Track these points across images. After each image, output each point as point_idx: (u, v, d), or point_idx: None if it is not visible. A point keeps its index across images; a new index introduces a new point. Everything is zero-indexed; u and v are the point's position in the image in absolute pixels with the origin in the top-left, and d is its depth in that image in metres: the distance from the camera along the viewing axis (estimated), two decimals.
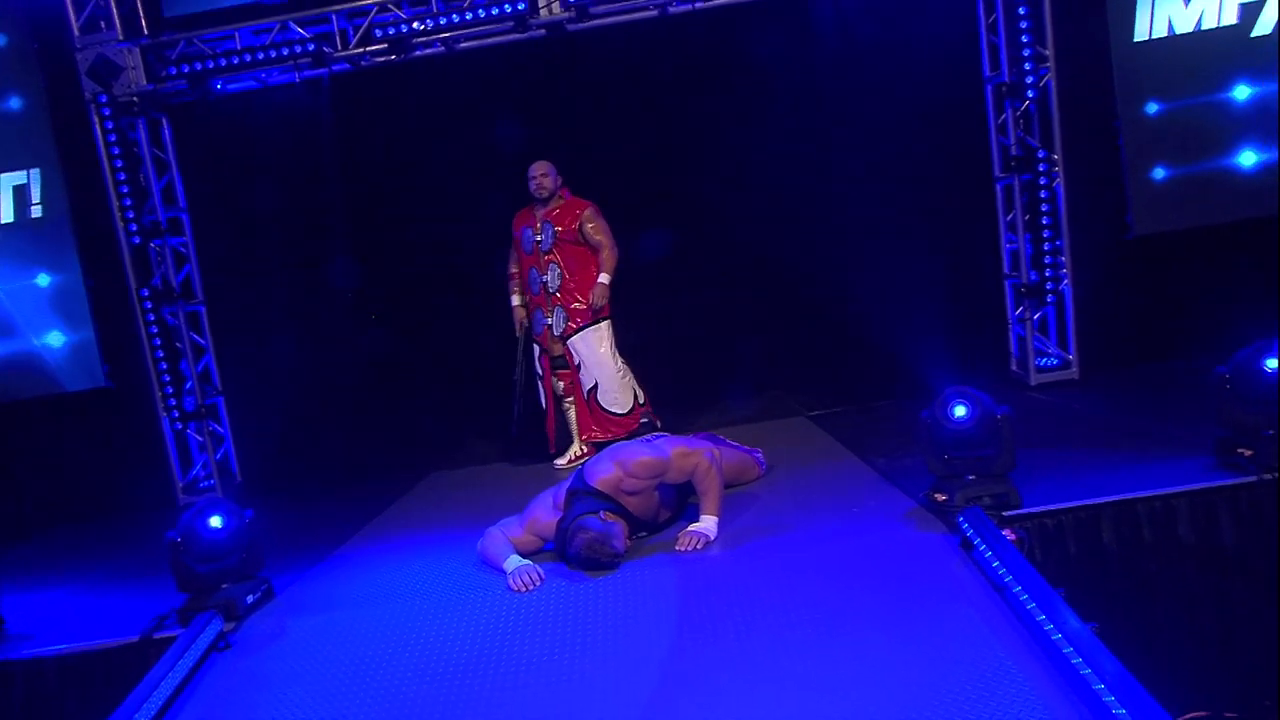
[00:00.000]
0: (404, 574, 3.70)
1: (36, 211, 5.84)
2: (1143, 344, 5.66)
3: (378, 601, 3.42)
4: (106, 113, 5.59)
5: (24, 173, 5.82)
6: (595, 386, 5.14)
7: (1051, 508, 3.26)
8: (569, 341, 5.13)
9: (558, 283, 5.09)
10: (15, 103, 5.79)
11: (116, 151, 5.64)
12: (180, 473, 6.09)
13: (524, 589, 3.20)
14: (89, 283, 5.90)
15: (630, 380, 5.22)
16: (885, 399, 5.66)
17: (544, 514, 3.50)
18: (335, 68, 5.69)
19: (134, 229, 5.72)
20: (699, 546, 3.37)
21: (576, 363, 5.16)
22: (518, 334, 5.33)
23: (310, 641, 3.12)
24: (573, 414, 5.27)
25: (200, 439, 6.10)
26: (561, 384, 5.25)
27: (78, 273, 5.88)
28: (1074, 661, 2.14)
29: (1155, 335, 5.61)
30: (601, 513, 3.32)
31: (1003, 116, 5.68)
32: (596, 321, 5.13)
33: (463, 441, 6.04)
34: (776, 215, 5.75)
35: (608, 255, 5.09)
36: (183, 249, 6.08)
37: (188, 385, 5.99)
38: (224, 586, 3.38)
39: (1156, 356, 5.54)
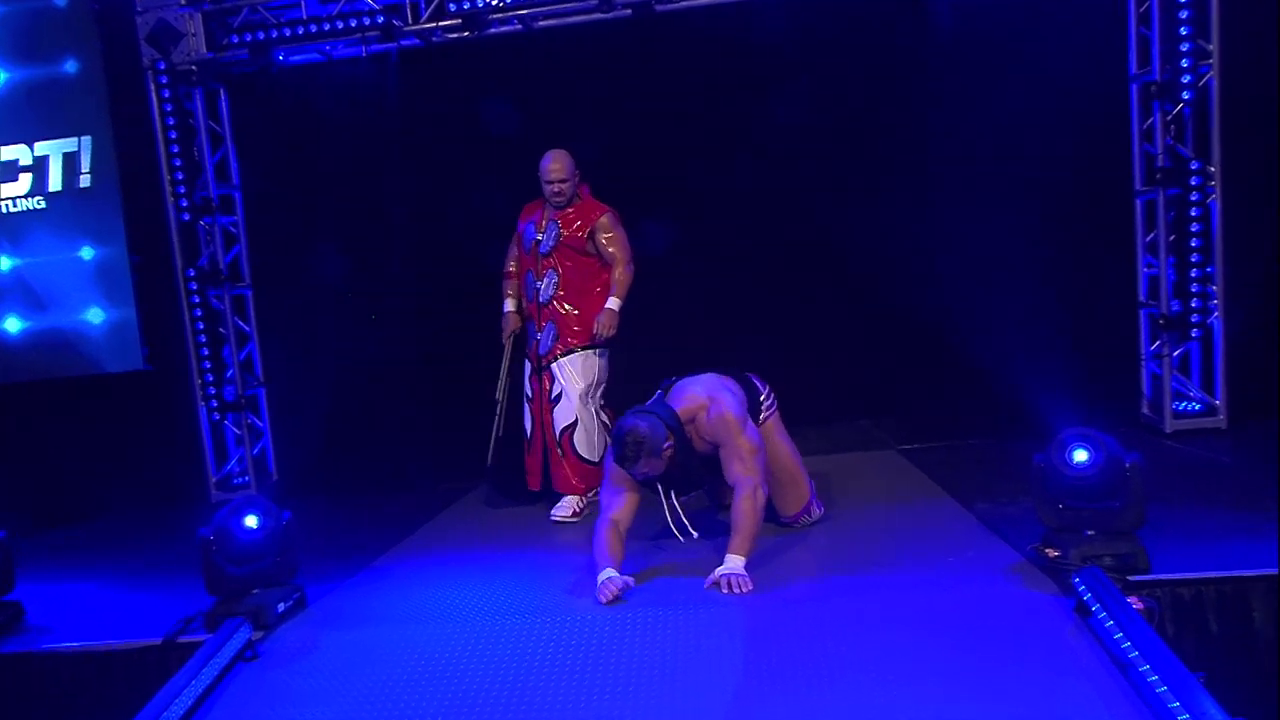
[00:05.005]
0: (442, 594, 3.77)
1: (85, 181, 6.12)
2: None
3: (414, 621, 3.48)
4: (164, 80, 5.84)
5: (75, 140, 6.10)
6: (574, 424, 4.73)
7: (1189, 576, 3.10)
8: (553, 366, 4.77)
9: (550, 293, 4.74)
10: (71, 66, 6.06)
11: (171, 123, 5.90)
12: (214, 467, 6.32)
13: (608, 600, 3.37)
14: (134, 259, 6.14)
15: (605, 431, 4.73)
16: (988, 438, 5.51)
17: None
18: (404, 42, 5.85)
19: (184, 205, 5.96)
20: (743, 590, 3.33)
21: (556, 392, 4.76)
22: (503, 342, 4.99)
23: (342, 659, 3.19)
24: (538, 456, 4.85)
25: (238, 432, 6.32)
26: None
27: (123, 248, 6.12)
28: None
29: None
30: (669, 435, 3.53)
31: (1149, 121, 5.48)
32: (592, 348, 4.76)
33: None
34: (873, 224, 5.63)
35: (621, 275, 4.69)
36: (233, 229, 6.32)
37: (229, 374, 6.21)
38: (255, 592, 3.48)
39: None
